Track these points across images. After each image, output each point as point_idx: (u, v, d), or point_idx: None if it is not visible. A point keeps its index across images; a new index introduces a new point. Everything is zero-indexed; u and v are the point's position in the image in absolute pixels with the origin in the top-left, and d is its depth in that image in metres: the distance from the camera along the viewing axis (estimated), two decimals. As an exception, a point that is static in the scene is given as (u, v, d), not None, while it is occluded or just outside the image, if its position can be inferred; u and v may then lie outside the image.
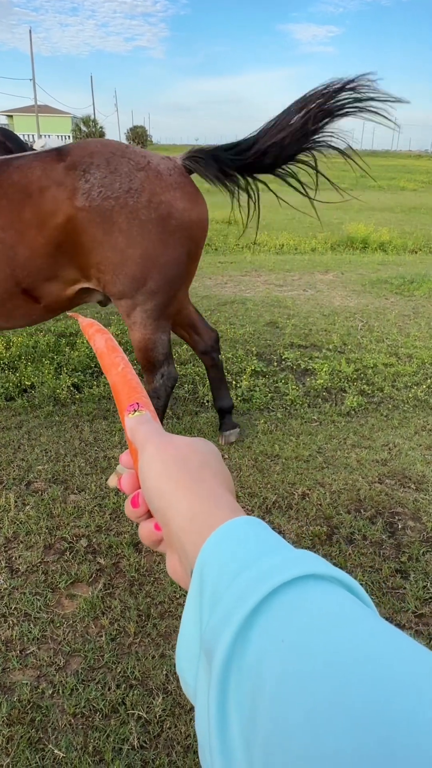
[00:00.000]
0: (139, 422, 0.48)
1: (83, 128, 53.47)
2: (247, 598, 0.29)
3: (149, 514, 0.45)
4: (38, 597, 2.03)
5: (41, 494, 2.61)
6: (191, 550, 0.36)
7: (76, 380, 3.75)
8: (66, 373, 3.82)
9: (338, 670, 0.24)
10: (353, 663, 0.24)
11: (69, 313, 0.89)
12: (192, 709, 1.65)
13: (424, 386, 3.80)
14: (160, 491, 0.41)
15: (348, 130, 2.35)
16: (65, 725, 1.60)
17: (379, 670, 0.24)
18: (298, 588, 0.29)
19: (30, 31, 45.64)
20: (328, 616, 0.27)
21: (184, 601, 2.00)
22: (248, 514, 0.39)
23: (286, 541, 0.35)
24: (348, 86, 2.14)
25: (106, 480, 2.69)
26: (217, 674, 0.27)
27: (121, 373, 0.56)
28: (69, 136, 59.29)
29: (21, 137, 5.03)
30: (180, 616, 1.95)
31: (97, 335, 0.63)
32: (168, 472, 0.41)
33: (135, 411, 0.50)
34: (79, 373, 3.88)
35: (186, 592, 2.00)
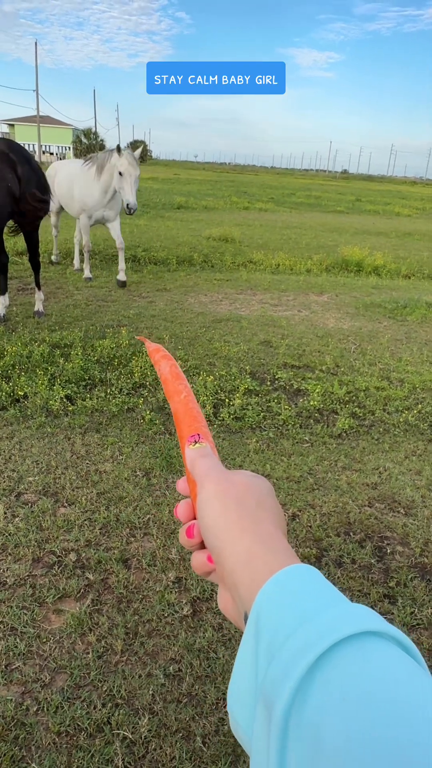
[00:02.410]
0: (200, 455, 0.50)
1: (84, 140, 53.83)
2: (307, 653, 0.29)
3: (203, 545, 0.46)
4: (25, 611, 2.01)
5: (31, 506, 2.59)
6: (245, 593, 0.37)
7: (69, 392, 3.74)
8: (59, 385, 3.82)
9: (403, 734, 0.25)
10: (418, 726, 0.25)
11: (137, 337, 0.90)
12: (177, 730, 1.64)
13: (415, 411, 3.84)
14: (218, 530, 0.41)
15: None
16: (49, 744, 1.58)
17: None
18: (357, 645, 0.29)
19: (36, 44, 46.08)
20: (389, 676, 0.28)
21: (172, 620, 2.00)
22: None
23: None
24: None
25: (99, 494, 2.69)
26: (276, 726, 0.28)
27: (183, 401, 0.57)
28: (69, 147, 59.69)
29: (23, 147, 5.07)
30: (168, 635, 1.94)
31: (162, 361, 0.64)
32: (226, 512, 0.42)
33: (196, 443, 0.51)
34: (73, 384, 3.87)
35: (172, 611, 1.98)
